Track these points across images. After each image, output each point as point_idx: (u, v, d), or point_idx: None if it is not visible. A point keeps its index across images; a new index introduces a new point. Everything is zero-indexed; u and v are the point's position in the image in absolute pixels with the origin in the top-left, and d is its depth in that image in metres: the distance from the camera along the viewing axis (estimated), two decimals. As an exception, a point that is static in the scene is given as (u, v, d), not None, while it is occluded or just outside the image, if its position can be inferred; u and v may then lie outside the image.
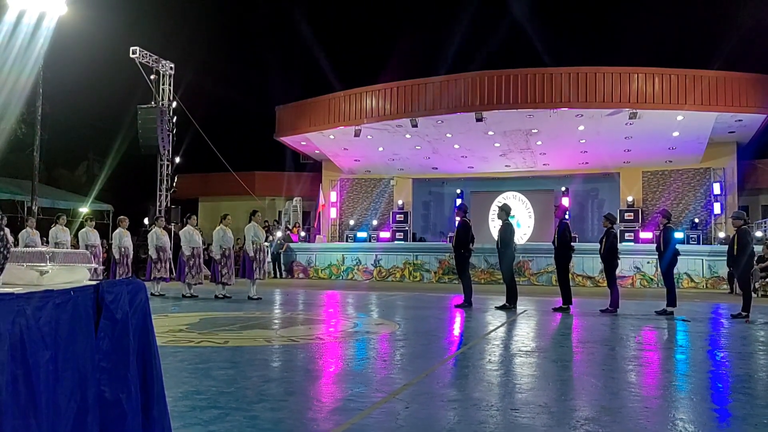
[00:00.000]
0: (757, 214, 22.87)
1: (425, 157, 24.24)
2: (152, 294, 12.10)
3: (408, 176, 26.03)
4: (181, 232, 12.43)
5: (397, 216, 24.96)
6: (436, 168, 25.28)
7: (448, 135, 21.89)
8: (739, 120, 19.53)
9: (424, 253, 20.91)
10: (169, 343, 6.08)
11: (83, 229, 12.84)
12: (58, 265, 1.80)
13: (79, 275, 1.86)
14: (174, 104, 20.86)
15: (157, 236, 12.43)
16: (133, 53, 19.38)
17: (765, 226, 20.97)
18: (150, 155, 20.72)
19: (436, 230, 26.29)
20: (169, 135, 20.51)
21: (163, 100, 20.62)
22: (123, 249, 12.42)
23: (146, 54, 19.85)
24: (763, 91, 19.02)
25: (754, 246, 11.94)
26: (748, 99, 18.90)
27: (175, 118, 20.89)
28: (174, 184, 21.03)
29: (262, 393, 4.02)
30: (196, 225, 12.77)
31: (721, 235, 20.66)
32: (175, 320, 8.10)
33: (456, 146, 22.92)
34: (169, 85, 20.88)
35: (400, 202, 25.56)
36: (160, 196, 20.78)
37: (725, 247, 11.39)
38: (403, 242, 23.29)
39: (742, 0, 23.66)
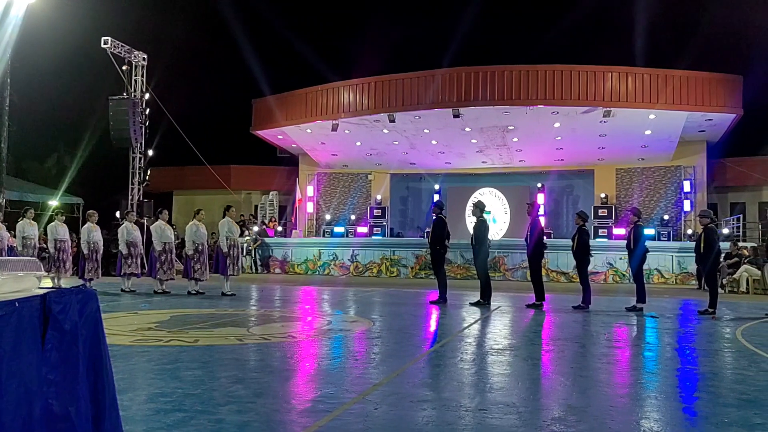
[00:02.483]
0: (725, 212, 23.33)
1: (403, 153, 24.25)
2: (122, 290, 11.94)
3: (386, 171, 26.03)
4: (152, 227, 12.25)
5: (375, 211, 24.94)
6: (414, 163, 25.31)
7: (426, 131, 21.92)
8: (709, 119, 19.88)
9: (401, 248, 20.93)
10: (136, 342, 5.99)
11: (52, 223, 12.58)
12: (6, 273, 1.74)
13: (28, 284, 1.79)
14: (147, 96, 20.56)
15: (128, 231, 12.23)
16: (104, 43, 19.03)
17: (733, 224, 21.40)
18: (122, 148, 20.40)
19: (414, 225, 26.34)
20: (141, 127, 20.22)
21: (135, 91, 20.31)
22: (92, 244, 12.19)
23: (118, 44, 19.50)
24: (733, 91, 19.38)
25: (722, 243, 12.18)
26: (717, 98, 19.25)
27: (148, 110, 20.59)
28: (147, 178, 20.75)
29: (230, 395, 3.97)
30: (168, 219, 12.59)
31: (690, 231, 21.04)
32: (145, 318, 7.98)
33: (433, 142, 22.97)
34: (142, 76, 20.57)
35: (377, 197, 25.54)
36: (133, 189, 20.49)
37: (694, 244, 11.57)
38: (380, 237, 23.27)
39: (709, 0, 24.05)
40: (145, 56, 20.69)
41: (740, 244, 17.42)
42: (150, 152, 21.01)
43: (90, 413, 1.73)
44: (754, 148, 22.91)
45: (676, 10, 25.90)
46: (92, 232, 12.32)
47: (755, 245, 16.20)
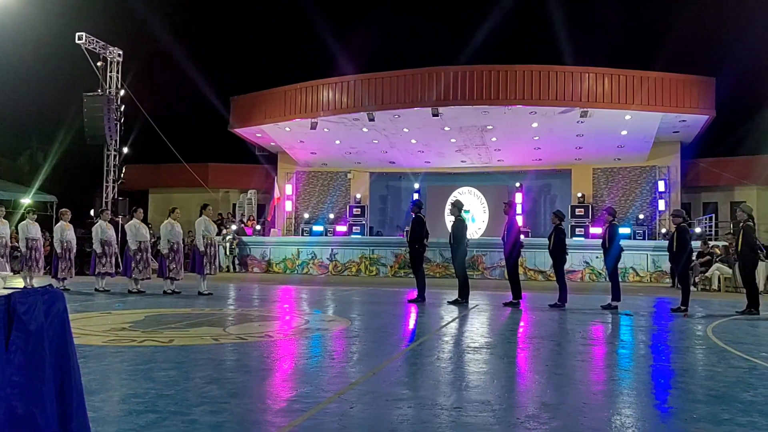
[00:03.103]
0: (698, 211, 23.75)
1: (382, 151, 24.27)
2: (96, 290, 11.79)
3: (365, 170, 26.02)
4: (126, 226, 12.09)
5: (354, 210, 24.94)
6: (394, 162, 25.34)
7: (405, 129, 21.95)
8: (683, 120, 20.21)
9: (380, 247, 20.95)
10: (109, 342, 5.92)
11: (23, 222, 12.37)
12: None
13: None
14: (122, 92, 20.31)
15: (102, 229, 12.07)
16: (78, 39, 18.75)
17: (705, 223, 21.78)
18: (96, 145, 20.13)
19: (393, 224, 26.38)
20: (116, 124, 19.97)
21: (110, 88, 20.05)
22: (65, 243, 12.01)
23: (93, 40, 19.22)
24: (706, 93, 19.73)
25: (693, 242, 12.38)
26: (691, 100, 19.60)
27: (123, 106, 20.34)
28: (122, 175, 20.50)
29: (204, 395, 3.94)
30: (144, 218, 12.45)
31: (664, 230, 21.39)
32: (119, 318, 7.88)
33: (413, 141, 23.02)
34: (117, 72, 20.32)
35: (357, 196, 25.54)
36: (107, 187, 20.23)
37: (667, 243, 11.76)
38: (359, 236, 23.28)
39: (684, 3, 24.45)
40: (121, 52, 20.43)
41: (712, 243, 17.75)
42: (125, 149, 20.76)
43: (56, 415, 1.70)
44: (727, 148, 23.36)
45: (650, 12, 26.27)
46: (65, 231, 12.14)
47: (726, 244, 16.49)
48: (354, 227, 24.31)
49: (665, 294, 13.94)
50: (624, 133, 20.78)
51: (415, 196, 23.59)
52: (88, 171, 22.83)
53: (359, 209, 24.90)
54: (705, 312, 10.06)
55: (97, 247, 11.93)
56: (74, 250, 12.30)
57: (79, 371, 1.84)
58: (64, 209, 12.59)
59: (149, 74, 23.74)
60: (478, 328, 7.99)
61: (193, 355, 5.41)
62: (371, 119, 20.77)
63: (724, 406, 3.89)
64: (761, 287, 13.37)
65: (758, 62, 21.94)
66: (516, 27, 28.41)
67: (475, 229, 24.33)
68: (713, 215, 22.29)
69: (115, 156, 20.37)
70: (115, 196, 20.31)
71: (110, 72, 20.14)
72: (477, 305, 10.50)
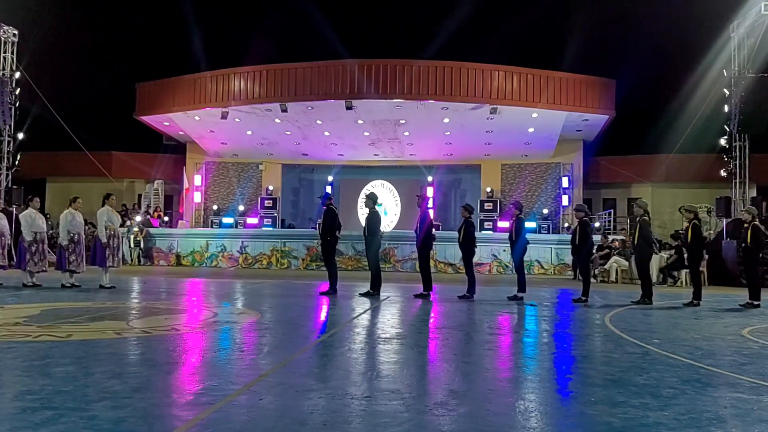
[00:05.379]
0: (598, 207, 25.14)
1: (295, 143, 24.02)
2: (-13, 283, 10.96)
3: (277, 161, 25.67)
4: (21, 216, 11.31)
5: (266, 202, 24.56)
6: (307, 154, 25.15)
7: (319, 121, 21.82)
8: (586, 119, 21.31)
9: (292, 239, 20.74)
10: (1, 338, 5.52)
11: None
12: None
13: None
14: (17, 75, 18.99)
15: (-6, 220, 11.23)
16: (-34, 16, 17.34)
17: (604, 218, 23.10)
18: (-12, 130, 18.73)
19: (306, 217, 26.19)
20: (11, 108, 18.69)
21: (4, 69, 18.72)
22: (-50, 234, 11.08)
23: (-17, 17, 17.83)
24: (606, 94, 20.89)
25: (594, 235, 13.08)
26: (593, 100, 20.68)
27: (19, 90, 19.03)
28: (17, 163, 19.21)
29: (105, 390, 3.75)
30: (41, 208, 11.68)
31: (567, 225, 22.50)
32: (12, 312, 7.37)
33: (326, 133, 22.92)
34: (12, 53, 19.00)
35: (269, 188, 25.15)
36: (0, 175, 18.87)
37: (570, 237, 12.34)
38: (271, 228, 22.94)
39: (584, 5, 25.72)
40: (16, 32, 19.13)
41: (611, 237, 18.83)
42: (20, 135, 19.45)
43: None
44: (625, 147, 24.82)
45: (556, 12, 27.43)
46: (-49, 221, 11.19)
47: (624, 238, 17.56)
48: (265, 219, 23.94)
49: (568, 285, 14.65)
50: (531, 130, 21.64)
51: (328, 189, 23.54)
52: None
53: (271, 201, 24.54)
54: (603, 302, 10.66)
55: (-14, 239, 11.08)
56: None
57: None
58: (-53, 197, 11.62)
59: (48, 56, 22.24)
60: (390, 319, 8.08)
61: (93, 350, 5.14)
62: (284, 110, 20.50)
63: (620, 389, 4.14)
64: (654, 278, 14.34)
65: (654, 66, 23.46)
66: (428, 23, 28.86)
67: (388, 222, 24.59)
68: (612, 210, 23.67)
69: (9, 142, 19.07)
70: (9, 185, 19.05)
71: (4, 53, 18.84)
72: (388, 297, 10.62)
